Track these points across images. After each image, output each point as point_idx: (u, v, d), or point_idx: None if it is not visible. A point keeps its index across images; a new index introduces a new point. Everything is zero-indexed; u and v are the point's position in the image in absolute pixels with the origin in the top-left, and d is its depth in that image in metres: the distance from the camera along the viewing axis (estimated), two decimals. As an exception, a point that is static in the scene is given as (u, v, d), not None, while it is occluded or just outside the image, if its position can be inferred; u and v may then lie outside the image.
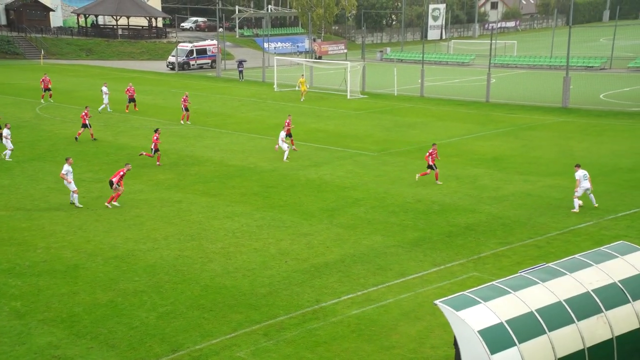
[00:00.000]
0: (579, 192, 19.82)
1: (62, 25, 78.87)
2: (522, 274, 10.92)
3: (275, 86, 48.30)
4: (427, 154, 22.93)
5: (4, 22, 76.74)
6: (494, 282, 10.78)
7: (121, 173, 20.22)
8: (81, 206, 20.22)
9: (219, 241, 17.52)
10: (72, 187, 20.19)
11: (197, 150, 28.32)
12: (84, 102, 40.17)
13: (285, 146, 26.44)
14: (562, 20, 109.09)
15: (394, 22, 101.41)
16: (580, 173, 19.76)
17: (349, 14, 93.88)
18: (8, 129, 26.34)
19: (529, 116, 36.83)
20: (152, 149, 25.34)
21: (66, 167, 20.10)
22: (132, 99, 37.68)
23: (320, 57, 70.44)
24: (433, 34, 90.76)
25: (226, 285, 14.88)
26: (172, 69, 62.06)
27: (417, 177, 23.26)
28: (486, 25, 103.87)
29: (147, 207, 20.36)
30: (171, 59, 63.18)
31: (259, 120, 36.30)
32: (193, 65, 63.36)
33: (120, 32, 76.81)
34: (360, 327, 13.12)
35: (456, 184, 23.10)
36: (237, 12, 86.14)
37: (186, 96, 34.81)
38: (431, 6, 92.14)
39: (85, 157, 26.68)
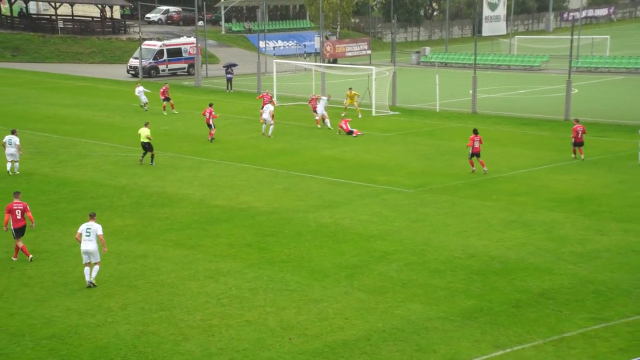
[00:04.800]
0: None
1: (-25, 13, 79.53)
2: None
3: (274, 99, 48.82)
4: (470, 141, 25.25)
5: None
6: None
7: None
8: None
9: (198, 311, 17.48)
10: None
11: (169, 186, 28.50)
12: (10, 121, 40.76)
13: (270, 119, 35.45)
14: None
15: (435, 14, 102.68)
16: None
17: (374, 2, 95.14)
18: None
19: (628, 140, 36.79)
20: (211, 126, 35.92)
21: None
22: (166, 98, 44.85)
23: (334, 61, 71.32)
24: (490, 29, 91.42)
25: (207, 373, 14.81)
26: (135, 75, 63.02)
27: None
28: (565, 15, 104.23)
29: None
30: (133, 62, 64.24)
31: (253, 145, 36.57)
32: (163, 70, 64.39)
33: (61, 24, 78.00)
34: None
35: (524, 233, 23.00)
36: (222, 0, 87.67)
37: (211, 109, 37.09)
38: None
39: (10, 198, 26.73)
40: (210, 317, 17.19)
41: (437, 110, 46.56)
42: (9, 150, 29.34)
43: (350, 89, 44.28)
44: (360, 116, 43.80)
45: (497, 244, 22.06)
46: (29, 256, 20.52)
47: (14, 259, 20.56)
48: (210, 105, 37.53)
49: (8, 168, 29.61)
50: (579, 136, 32.70)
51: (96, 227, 18.91)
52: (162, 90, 45.70)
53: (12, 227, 20.34)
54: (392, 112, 45.97)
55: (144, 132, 31.63)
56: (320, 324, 16.82)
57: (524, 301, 18.11)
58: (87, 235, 18.85)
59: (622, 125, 40.41)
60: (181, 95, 51.79)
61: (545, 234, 22.92)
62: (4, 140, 29.40)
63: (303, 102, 48.28)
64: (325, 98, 41.35)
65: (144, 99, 45.56)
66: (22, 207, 20.36)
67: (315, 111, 41.27)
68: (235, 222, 24.12)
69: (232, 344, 15.96)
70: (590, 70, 63.81)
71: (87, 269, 18.96)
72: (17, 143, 29.35)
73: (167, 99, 45.11)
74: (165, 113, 44.56)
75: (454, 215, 24.78)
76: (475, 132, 30.62)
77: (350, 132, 38.55)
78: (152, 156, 31.79)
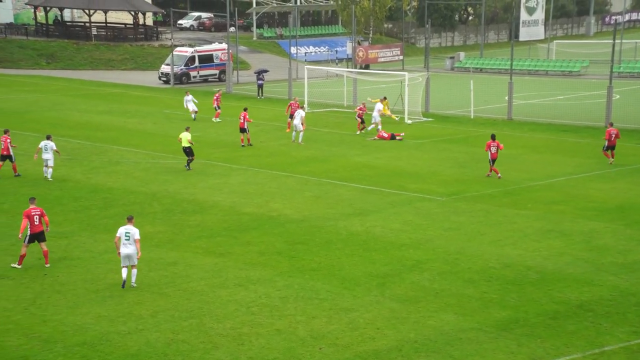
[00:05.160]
0: None
1: (12, 21, 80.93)
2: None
3: (305, 105, 48.98)
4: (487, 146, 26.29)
5: None
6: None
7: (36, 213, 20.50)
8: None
9: (228, 319, 17.58)
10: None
11: (200, 193, 28.70)
12: (45, 127, 41.40)
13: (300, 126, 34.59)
14: None
15: (470, 18, 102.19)
16: None
17: (408, 7, 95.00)
18: None
19: (669, 147, 36.38)
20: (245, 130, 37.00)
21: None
22: (217, 107, 45.16)
23: (366, 67, 71.31)
24: (527, 33, 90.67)
25: (237, 382, 14.88)
26: (166, 81, 63.64)
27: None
28: (607, 19, 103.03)
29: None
30: (165, 68, 64.85)
31: (284, 152, 36.71)
32: (195, 77, 64.92)
33: (94, 31, 79.10)
34: None
35: (562, 242, 22.80)
36: (254, 5, 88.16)
37: (245, 113, 37.87)
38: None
39: (43, 204, 27.16)
40: (240, 325, 17.27)
41: (472, 117, 46.34)
42: (45, 155, 30.00)
43: (384, 97, 44.21)
44: (397, 119, 44.46)
45: (533, 253, 21.88)
46: (47, 263, 20.79)
47: (18, 266, 20.62)
48: (245, 109, 37.82)
49: (45, 173, 30.36)
50: (612, 139, 32.87)
51: (134, 231, 19.29)
52: (215, 97, 46.13)
53: (28, 233, 20.58)
54: (425, 119, 45.86)
55: (185, 137, 32.12)
56: (351, 334, 16.82)
57: (562, 313, 17.94)
58: (126, 239, 19.23)
59: (663, 133, 39.88)
60: (212, 102, 52.05)
61: (584, 244, 22.69)
62: (39, 146, 30.10)
63: (334, 109, 48.40)
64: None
65: (192, 107, 45.54)
66: (39, 213, 20.64)
67: (360, 118, 41.43)
68: (265, 230, 24.22)
69: (262, 353, 16.01)
70: (632, 76, 63.03)
71: (124, 271, 19.31)
72: (54, 147, 30.01)
73: (217, 107, 45.41)
74: (218, 120, 45.30)
75: (489, 224, 24.64)
76: (493, 137, 30.86)
77: (392, 137, 38.84)
78: (190, 161, 32.21)
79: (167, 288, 19.49)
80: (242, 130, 37.45)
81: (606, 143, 33.14)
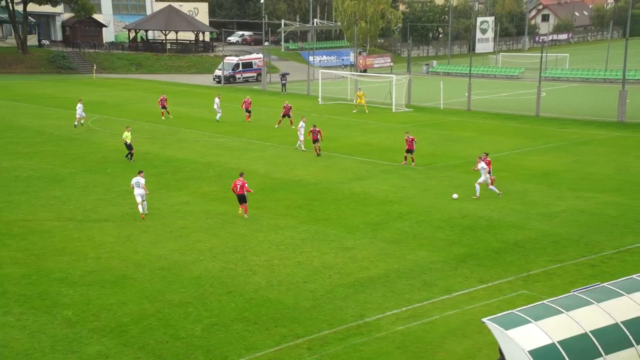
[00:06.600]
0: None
1: (114, 40, 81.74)
2: (575, 293, 10.64)
3: (319, 99, 48.61)
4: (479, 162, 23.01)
5: (59, 38, 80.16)
6: (545, 301, 10.53)
7: (239, 184, 20.63)
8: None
9: (263, 254, 17.68)
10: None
11: (243, 163, 28.71)
12: (134, 115, 41.46)
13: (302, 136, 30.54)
14: (618, 32, 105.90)
15: (440, 35, 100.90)
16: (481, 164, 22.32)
17: (395, 27, 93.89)
18: None
19: (581, 131, 35.90)
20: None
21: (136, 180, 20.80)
22: (247, 110, 40.18)
23: (364, 71, 70.58)
24: (481, 47, 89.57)
25: (270, 299, 15.00)
26: (219, 82, 63.29)
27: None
28: (537, 38, 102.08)
29: (193, 218, 20.75)
30: (217, 72, 64.45)
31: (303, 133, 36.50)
32: (239, 78, 64.48)
33: (168, 46, 78.97)
34: (406, 343, 12.99)
35: (504, 199, 22.70)
36: (282, 25, 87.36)
37: (248, 99, 39.64)
38: (479, 19, 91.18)
39: (132, 170, 27.35)
40: (271, 258, 17.40)
41: (442, 108, 45.87)
42: (137, 191, 21.00)
43: (360, 89, 43.86)
44: (355, 111, 43.35)
45: (483, 207, 21.82)
46: (245, 214, 20.65)
47: (245, 216, 20.63)
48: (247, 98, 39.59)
49: (140, 210, 21.10)
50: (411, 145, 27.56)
51: (142, 180, 20.79)
52: (245, 101, 40.36)
53: (236, 194, 20.81)
54: (407, 109, 45.42)
55: (127, 135, 28.30)
56: (352, 265, 16.91)
57: (502, 249, 17.96)
58: (137, 186, 20.66)
59: (578, 120, 39.39)
60: (251, 96, 51.72)
61: (519, 200, 22.60)
62: (132, 183, 21.26)
63: (341, 102, 48.03)
64: (302, 123, 31.49)
65: (217, 108, 39.97)
66: (241, 184, 20.73)
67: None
68: (290, 190, 24.24)
69: (288, 278, 16.15)
70: (554, 79, 62.32)
71: (140, 206, 20.60)
72: (143, 183, 21.07)
73: (248, 111, 39.85)
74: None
75: (452, 186, 24.54)
76: (486, 154, 23.89)
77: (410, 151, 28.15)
78: (131, 154, 28.37)
79: (220, 231, 19.63)
80: (248, 111, 39.31)
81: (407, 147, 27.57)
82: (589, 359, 9.45)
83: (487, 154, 23.75)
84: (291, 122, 37.38)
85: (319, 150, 29.79)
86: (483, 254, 17.58)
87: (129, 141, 28.73)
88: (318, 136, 29.51)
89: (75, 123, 37.07)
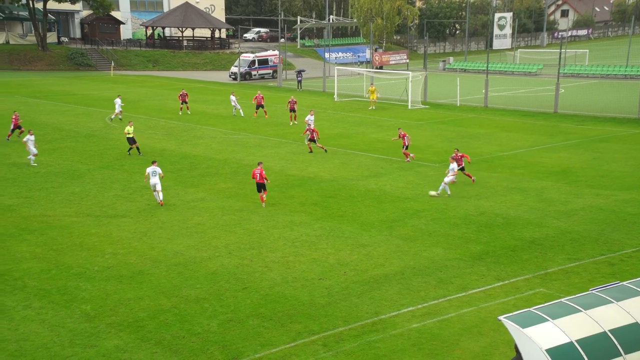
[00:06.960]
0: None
1: (131, 37, 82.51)
2: (593, 291, 10.52)
3: (335, 96, 48.58)
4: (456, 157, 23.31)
5: (78, 35, 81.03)
6: (562, 300, 10.42)
7: (257, 172, 21.18)
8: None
9: (278, 250, 17.71)
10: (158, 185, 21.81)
11: (258, 160, 28.64)
12: (150, 112, 41.75)
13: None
14: (639, 27, 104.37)
15: (457, 32, 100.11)
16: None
17: (411, 24, 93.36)
18: (31, 135, 27.42)
19: (600, 127, 35.48)
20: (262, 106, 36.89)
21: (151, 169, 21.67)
22: (260, 105, 39.82)
23: (381, 67, 70.35)
24: (498, 44, 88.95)
25: (285, 295, 15.02)
26: (235, 79, 63.51)
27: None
28: (556, 34, 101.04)
29: (209, 215, 20.84)
30: (234, 69, 64.68)
31: (319, 129, 36.32)
32: (255, 75, 64.64)
33: (185, 43, 79.40)
34: (421, 340, 12.95)
35: (521, 196, 22.51)
36: (298, 22, 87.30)
37: (293, 99, 38.06)
38: (497, 15, 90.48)
39: (148, 165, 27.58)
40: (287, 255, 17.42)
41: (458, 105, 45.60)
42: (153, 180, 21.62)
43: (372, 84, 43.80)
44: (371, 108, 43.29)
45: (500, 204, 21.66)
46: (263, 203, 21.42)
47: (262, 204, 21.42)
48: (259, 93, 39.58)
49: (157, 198, 21.97)
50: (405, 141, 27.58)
51: (158, 169, 21.62)
52: (257, 97, 40.03)
53: (256, 182, 21.41)
54: (423, 106, 45.23)
55: (129, 129, 28.59)
56: (367, 262, 16.87)
57: (519, 246, 17.81)
58: (153, 175, 21.46)
59: (598, 117, 38.93)
60: (266, 93, 51.96)
61: (536, 197, 22.39)
62: (147, 172, 21.80)
63: (357, 98, 47.95)
64: (310, 116, 32.31)
65: (234, 104, 40.69)
66: (259, 172, 21.21)
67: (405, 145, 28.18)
68: (305, 187, 24.24)
69: (303, 274, 16.16)
70: (573, 75, 61.55)
71: (155, 194, 21.74)
72: (160, 172, 21.80)
73: (261, 106, 39.51)
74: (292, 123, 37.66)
75: (468, 183, 24.39)
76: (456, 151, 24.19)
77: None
78: (137, 147, 28.95)
79: (235, 227, 19.70)
80: (260, 106, 39.04)
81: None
82: (608, 358, 9.34)
83: (457, 150, 23.99)
84: (295, 117, 37.39)
85: (311, 150, 29.68)
86: (500, 251, 17.45)
87: (131, 135, 29.00)
88: (315, 135, 29.56)
89: (112, 116, 38.06)
